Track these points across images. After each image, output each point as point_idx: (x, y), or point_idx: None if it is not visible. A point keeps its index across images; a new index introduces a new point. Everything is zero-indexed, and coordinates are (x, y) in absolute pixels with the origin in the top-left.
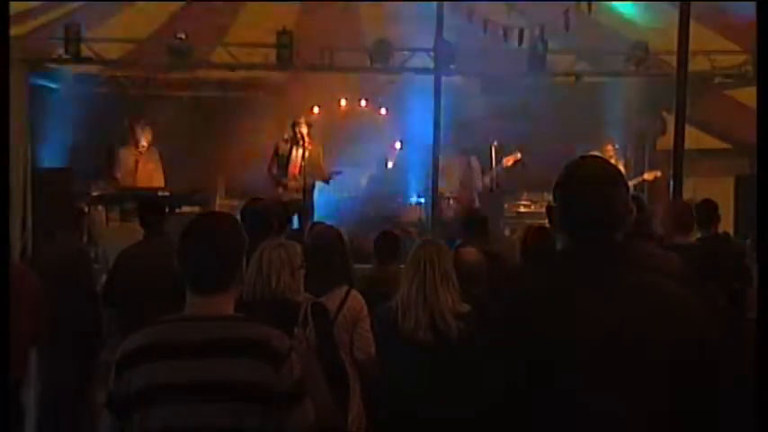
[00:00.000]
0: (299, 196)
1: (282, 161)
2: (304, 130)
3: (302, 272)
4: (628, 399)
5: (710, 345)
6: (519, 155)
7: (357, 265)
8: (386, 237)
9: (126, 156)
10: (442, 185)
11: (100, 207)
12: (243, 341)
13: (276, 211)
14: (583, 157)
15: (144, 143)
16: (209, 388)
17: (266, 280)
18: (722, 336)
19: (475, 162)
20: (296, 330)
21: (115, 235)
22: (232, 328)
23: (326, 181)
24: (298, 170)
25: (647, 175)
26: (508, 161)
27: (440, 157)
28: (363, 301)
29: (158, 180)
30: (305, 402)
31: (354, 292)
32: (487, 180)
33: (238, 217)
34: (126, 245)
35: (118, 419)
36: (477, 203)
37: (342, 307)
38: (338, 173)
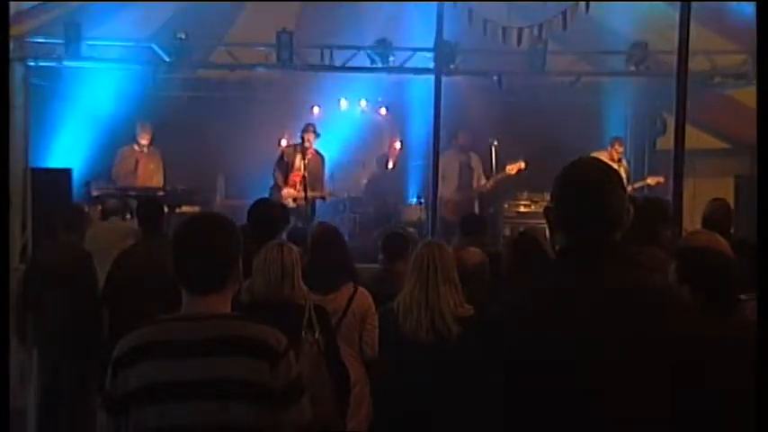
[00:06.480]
0: (300, 200)
1: (286, 168)
2: (312, 137)
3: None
4: (626, 398)
5: (706, 344)
6: (523, 164)
7: (358, 265)
8: (393, 237)
9: (126, 155)
10: (441, 186)
11: (100, 207)
12: (239, 339)
13: (281, 211)
14: (580, 159)
15: (144, 141)
16: (205, 386)
17: (276, 280)
18: (718, 335)
19: (476, 161)
20: (303, 334)
21: (95, 234)
22: (228, 327)
23: (324, 199)
24: (299, 179)
25: (651, 180)
26: (512, 169)
27: (440, 157)
28: (371, 298)
29: (158, 180)
30: (302, 401)
31: (361, 289)
32: (489, 185)
33: (244, 217)
34: (106, 242)
35: (114, 419)
36: (476, 205)
37: (350, 304)
38: (324, 198)
